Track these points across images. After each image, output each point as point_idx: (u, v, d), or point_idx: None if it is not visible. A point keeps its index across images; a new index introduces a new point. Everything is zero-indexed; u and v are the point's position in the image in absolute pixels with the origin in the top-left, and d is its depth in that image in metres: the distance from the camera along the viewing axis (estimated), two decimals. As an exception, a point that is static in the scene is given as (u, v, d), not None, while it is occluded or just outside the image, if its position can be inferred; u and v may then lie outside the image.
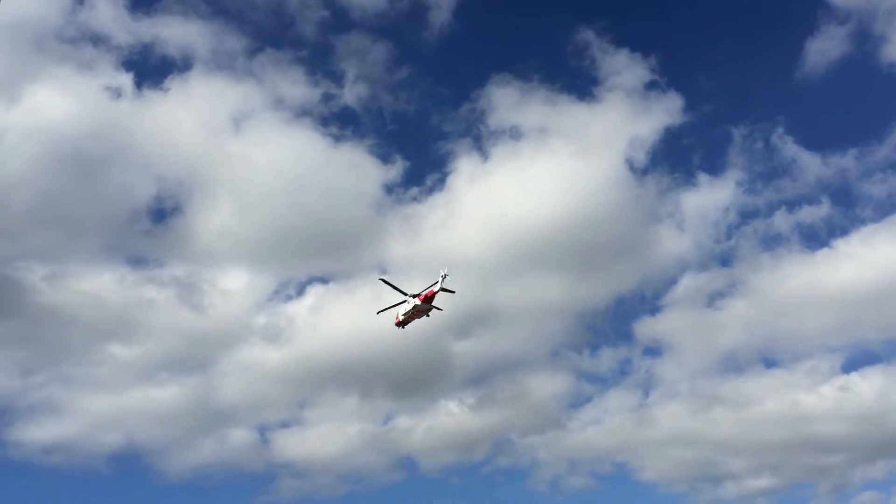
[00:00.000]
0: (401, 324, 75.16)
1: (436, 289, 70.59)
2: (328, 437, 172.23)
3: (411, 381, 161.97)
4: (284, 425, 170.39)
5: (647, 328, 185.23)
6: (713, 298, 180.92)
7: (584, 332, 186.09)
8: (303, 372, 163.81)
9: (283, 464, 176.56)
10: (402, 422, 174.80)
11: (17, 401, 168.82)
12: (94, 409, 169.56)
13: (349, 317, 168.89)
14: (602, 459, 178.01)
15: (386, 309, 74.53)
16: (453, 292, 71.41)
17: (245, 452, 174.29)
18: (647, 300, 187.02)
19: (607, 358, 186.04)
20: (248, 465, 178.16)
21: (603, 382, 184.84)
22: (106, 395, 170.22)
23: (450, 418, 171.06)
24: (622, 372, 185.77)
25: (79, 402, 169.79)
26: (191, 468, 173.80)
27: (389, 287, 71.18)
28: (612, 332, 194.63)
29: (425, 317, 73.32)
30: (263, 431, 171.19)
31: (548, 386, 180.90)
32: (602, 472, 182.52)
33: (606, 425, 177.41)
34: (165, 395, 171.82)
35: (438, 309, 72.70)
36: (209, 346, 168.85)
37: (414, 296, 71.08)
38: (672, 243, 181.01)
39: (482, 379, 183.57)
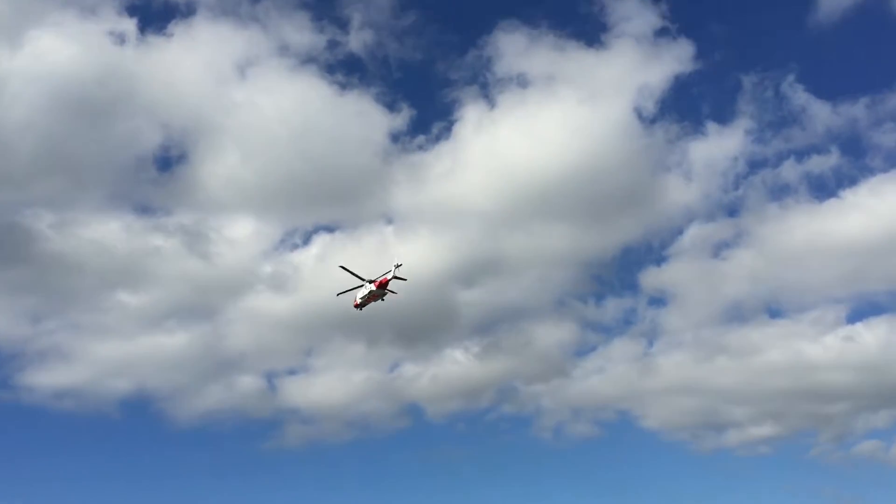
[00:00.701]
0: (358, 306, 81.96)
1: (389, 276, 77.50)
2: (335, 384, 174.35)
3: (417, 329, 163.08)
4: (291, 372, 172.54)
5: (653, 278, 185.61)
6: (719, 249, 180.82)
7: (589, 281, 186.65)
8: (309, 320, 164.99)
9: (290, 410, 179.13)
10: (408, 369, 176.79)
11: (27, 347, 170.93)
12: (103, 356, 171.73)
13: (355, 265, 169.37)
14: (605, 407, 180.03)
15: (345, 291, 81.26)
16: (405, 280, 78.29)
17: (253, 399, 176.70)
18: (652, 250, 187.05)
19: (612, 307, 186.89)
20: (256, 412, 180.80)
21: (607, 332, 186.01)
22: (115, 342, 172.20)
23: (455, 366, 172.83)
24: (627, 321, 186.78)
25: (88, 349, 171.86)
26: (200, 414, 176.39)
27: (349, 273, 78.73)
28: (618, 281, 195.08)
29: (380, 300, 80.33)
30: (271, 378, 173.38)
31: (553, 335, 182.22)
32: (605, 420, 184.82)
33: (610, 374, 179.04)
34: (174, 342, 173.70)
35: (393, 293, 79.83)
36: (216, 294, 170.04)
37: (370, 282, 78.08)
38: (679, 193, 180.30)
39: (487, 327, 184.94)
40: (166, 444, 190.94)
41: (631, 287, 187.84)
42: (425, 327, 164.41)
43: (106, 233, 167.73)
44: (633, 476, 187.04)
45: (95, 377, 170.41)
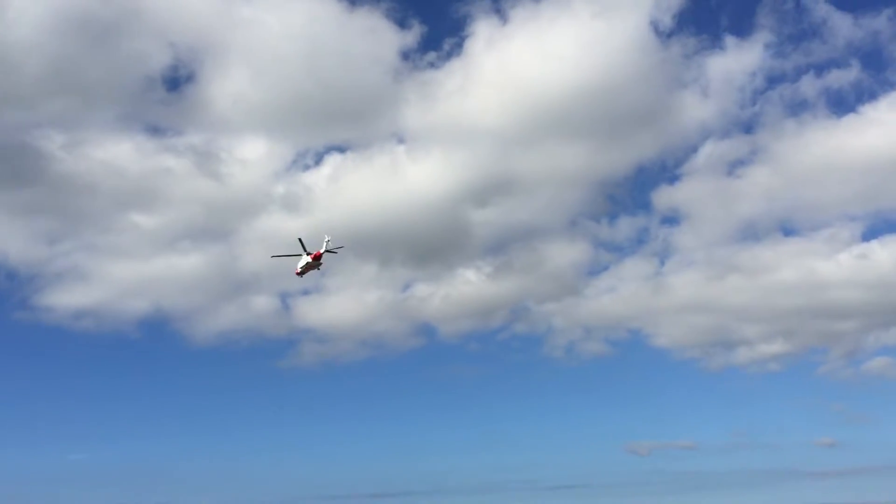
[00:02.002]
0: (299, 274, 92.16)
1: (322, 250, 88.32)
2: (348, 304, 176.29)
3: (430, 249, 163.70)
4: (305, 292, 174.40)
5: (666, 197, 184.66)
6: (734, 166, 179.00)
7: (602, 201, 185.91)
8: (322, 240, 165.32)
9: (304, 329, 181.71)
10: (421, 289, 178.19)
11: (45, 268, 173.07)
12: (119, 277, 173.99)
13: (367, 186, 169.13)
14: (617, 326, 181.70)
15: (280, 256, 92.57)
16: (336, 252, 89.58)
17: (268, 318, 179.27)
18: (666, 169, 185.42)
19: (625, 227, 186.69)
20: (271, 331, 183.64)
21: (620, 251, 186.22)
22: (131, 263, 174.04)
23: (467, 286, 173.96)
24: (639, 241, 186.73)
25: (105, 270, 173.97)
26: (216, 333, 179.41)
27: (283, 257, 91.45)
28: (631, 201, 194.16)
29: (316, 270, 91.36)
30: (285, 298, 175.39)
31: (565, 254, 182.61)
32: (616, 339, 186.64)
33: (622, 293, 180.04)
34: (188, 263, 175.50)
35: (334, 252, 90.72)
36: (229, 215, 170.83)
37: (308, 254, 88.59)
38: (695, 110, 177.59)
39: (500, 247, 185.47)
40: (184, 362, 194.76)
41: (644, 206, 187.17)
42: (438, 247, 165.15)
43: (117, 153, 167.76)
44: (644, 393, 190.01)
45: (113, 297, 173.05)
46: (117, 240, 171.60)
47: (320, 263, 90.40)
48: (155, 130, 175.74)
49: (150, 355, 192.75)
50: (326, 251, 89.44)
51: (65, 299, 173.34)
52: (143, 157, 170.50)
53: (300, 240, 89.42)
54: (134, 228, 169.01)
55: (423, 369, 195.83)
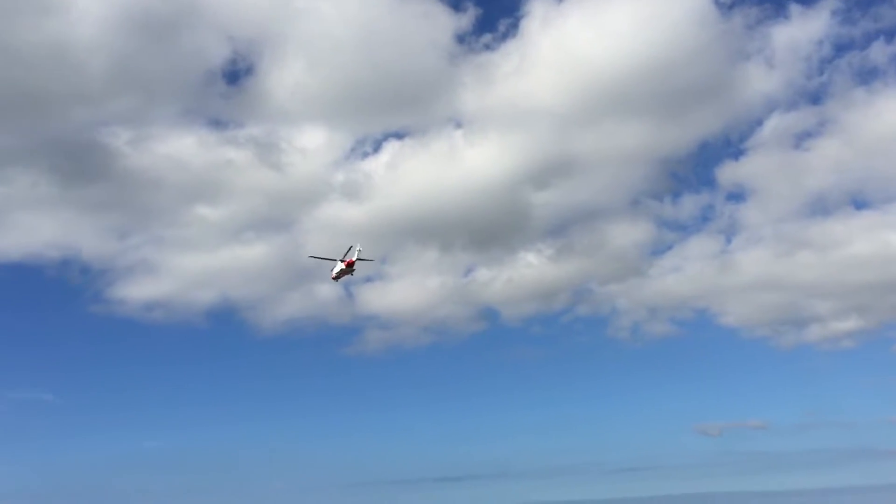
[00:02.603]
0: (335, 279, 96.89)
1: (353, 258, 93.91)
2: (410, 290, 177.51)
3: (490, 233, 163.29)
4: (368, 280, 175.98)
5: (731, 173, 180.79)
6: (801, 139, 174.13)
7: (665, 179, 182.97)
8: (383, 227, 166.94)
9: (368, 316, 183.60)
10: (482, 274, 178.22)
11: (116, 262, 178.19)
12: (187, 268, 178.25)
13: (426, 171, 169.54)
14: (682, 306, 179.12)
15: (317, 258, 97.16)
16: (371, 260, 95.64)
17: (331, 306, 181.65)
18: (731, 144, 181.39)
19: (689, 205, 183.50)
20: (335, 318, 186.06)
21: (684, 230, 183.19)
22: (197, 255, 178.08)
23: (529, 269, 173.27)
24: (704, 218, 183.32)
25: (173, 262, 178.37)
26: (281, 321, 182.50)
27: (320, 259, 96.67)
28: (694, 178, 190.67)
29: (349, 275, 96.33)
30: (348, 286, 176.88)
31: (628, 234, 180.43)
32: (683, 319, 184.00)
33: (687, 272, 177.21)
34: (253, 253, 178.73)
35: (368, 260, 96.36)
36: (291, 205, 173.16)
37: (341, 260, 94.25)
38: (759, 82, 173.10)
39: (561, 229, 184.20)
40: (251, 350, 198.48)
41: (708, 183, 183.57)
42: (498, 231, 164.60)
43: (181, 148, 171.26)
44: (712, 373, 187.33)
45: (181, 289, 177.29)
46: (184, 232, 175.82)
47: (353, 270, 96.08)
48: (216, 123, 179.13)
49: (218, 344, 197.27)
50: (358, 259, 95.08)
51: (136, 292, 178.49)
52: (205, 150, 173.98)
53: (313, 256, 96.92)
54: (199, 221, 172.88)
55: (486, 353, 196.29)
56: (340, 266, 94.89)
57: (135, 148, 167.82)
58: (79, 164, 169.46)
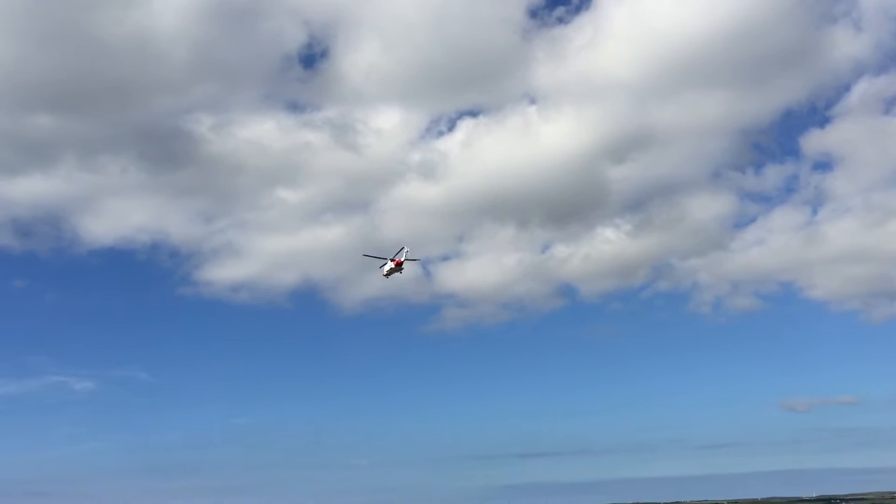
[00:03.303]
0: (386, 275, 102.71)
1: (402, 259, 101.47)
2: (488, 267, 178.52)
3: (567, 209, 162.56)
4: (445, 258, 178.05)
5: (817, 141, 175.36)
6: (892, 104, 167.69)
7: (747, 149, 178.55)
8: (459, 206, 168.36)
9: (446, 294, 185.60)
10: (560, 250, 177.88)
11: (203, 245, 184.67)
12: (270, 250, 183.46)
13: (501, 148, 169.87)
14: (767, 279, 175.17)
15: (370, 256, 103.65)
16: (417, 260, 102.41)
17: (410, 285, 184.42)
18: (816, 111, 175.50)
19: (772, 175, 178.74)
20: (414, 297, 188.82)
21: (768, 201, 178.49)
22: (279, 237, 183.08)
23: (607, 245, 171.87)
24: (788, 189, 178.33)
25: (256, 244, 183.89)
26: (361, 301, 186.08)
27: (372, 258, 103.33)
28: (778, 147, 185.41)
29: (398, 273, 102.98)
30: (426, 265, 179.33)
31: (709, 207, 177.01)
32: (767, 293, 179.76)
33: (772, 245, 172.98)
34: (333, 234, 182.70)
35: (411, 263, 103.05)
36: (368, 186, 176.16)
37: (391, 259, 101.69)
38: (846, 46, 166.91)
39: (639, 204, 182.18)
40: (333, 329, 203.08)
41: (792, 152, 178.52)
42: (575, 207, 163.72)
43: (261, 132, 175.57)
44: (799, 348, 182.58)
45: (265, 270, 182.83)
46: (266, 215, 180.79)
47: (402, 269, 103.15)
48: (294, 107, 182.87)
49: (302, 324, 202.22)
50: (406, 259, 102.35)
51: (222, 274, 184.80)
52: (284, 134, 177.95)
53: (366, 254, 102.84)
54: (280, 203, 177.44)
55: (565, 330, 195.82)
56: (390, 265, 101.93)
57: (217, 133, 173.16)
58: (165, 150, 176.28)
